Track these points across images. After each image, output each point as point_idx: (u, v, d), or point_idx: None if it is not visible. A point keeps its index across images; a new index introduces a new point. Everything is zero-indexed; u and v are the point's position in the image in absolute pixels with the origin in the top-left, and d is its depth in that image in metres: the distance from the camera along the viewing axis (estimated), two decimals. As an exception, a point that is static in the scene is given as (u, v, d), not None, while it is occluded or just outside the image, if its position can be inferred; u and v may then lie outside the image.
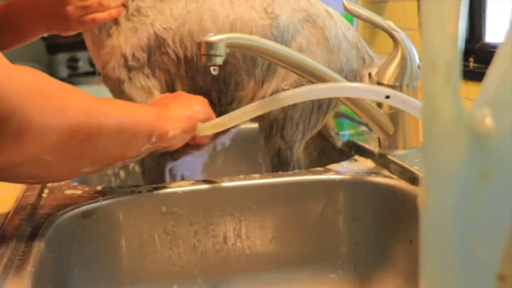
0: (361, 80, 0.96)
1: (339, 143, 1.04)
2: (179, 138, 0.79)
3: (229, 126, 0.82)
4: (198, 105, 0.83)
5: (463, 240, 0.31)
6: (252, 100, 0.93)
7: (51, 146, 0.60)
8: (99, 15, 0.91)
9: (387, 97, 0.75)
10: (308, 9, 0.94)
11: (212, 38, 0.75)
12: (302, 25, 0.92)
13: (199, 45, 0.76)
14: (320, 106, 0.95)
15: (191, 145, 0.85)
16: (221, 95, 0.93)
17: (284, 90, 0.92)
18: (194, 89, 0.92)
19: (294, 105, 0.91)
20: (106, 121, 0.66)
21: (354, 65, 0.96)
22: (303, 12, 0.93)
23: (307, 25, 0.93)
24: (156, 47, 0.91)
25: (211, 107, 0.88)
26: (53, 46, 2.44)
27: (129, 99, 0.91)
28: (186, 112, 0.80)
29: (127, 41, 0.91)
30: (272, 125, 0.94)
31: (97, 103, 0.66)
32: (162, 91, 0.92)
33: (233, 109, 0.90)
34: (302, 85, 0.92)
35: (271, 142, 0.95)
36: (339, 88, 0.77)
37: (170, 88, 0.93)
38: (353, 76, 0.95)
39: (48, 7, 0.92)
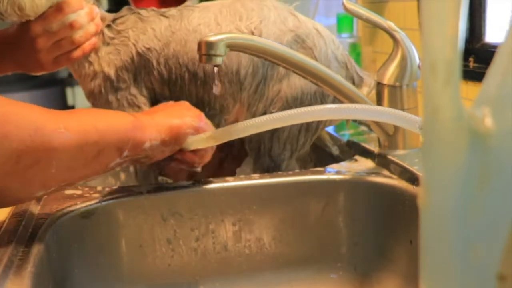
0: None
1: (336, 152, 1.04)
2: (157, 149, 0.72)
3: (222, 141, 0.77)
4: (189, 118, 0.76)
5: (463, 240, 0.31)
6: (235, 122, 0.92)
7: None
8: (73, 54, 0.89)
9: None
10: (297, 29, 0.92)
11: (212, 38, 0.75)
12: (291, 47, 0.90)
13: (199, 45, 0.76)
14: (308, 127, 0.95)
15: (178, 160, 0.79)
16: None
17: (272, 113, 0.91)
18: None
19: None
20: (62, 141, 0.59)
21: None
22: (291, 33, 0.92)
23: (295, 46, 0.91)
24: (142, 67, 0.91)
25: None
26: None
27: None
28: (171, 121, 0.74)
29: (109, 63, 0.91)
30: (259, 147, 0.94)
31: (52, 121, 0.59)
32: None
33: None
34: (290, 108, 0.91)
35: (259, 161, 0.95)
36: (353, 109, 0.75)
37: None
38: None
39: (21, 54, 0.89)
